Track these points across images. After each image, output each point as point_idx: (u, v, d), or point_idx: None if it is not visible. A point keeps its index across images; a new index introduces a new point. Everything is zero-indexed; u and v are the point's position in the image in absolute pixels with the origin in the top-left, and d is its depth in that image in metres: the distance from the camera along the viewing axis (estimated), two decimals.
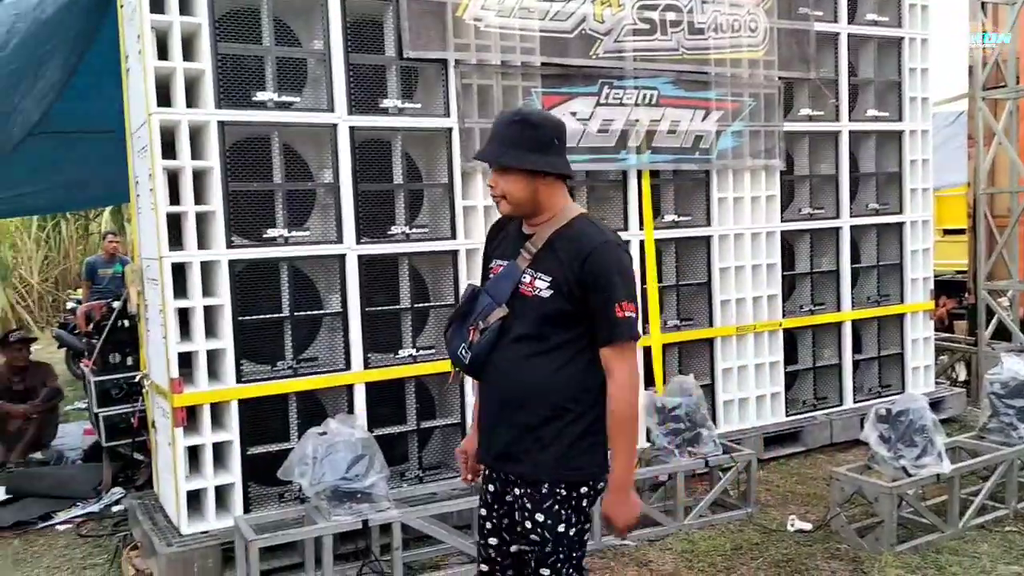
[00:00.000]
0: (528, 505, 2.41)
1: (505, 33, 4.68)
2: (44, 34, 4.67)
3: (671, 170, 5.37)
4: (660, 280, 5.36)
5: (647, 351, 5.24)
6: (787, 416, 5.82)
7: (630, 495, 2.38)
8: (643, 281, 5.23)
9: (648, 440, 5.00)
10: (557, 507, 2.39)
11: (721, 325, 5.56)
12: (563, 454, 2.38)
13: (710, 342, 5.56)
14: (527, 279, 2.40)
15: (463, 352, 2.48)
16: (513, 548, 2.49)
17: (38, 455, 6.22)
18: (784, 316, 5.82)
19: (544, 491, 2.39)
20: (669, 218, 5.41)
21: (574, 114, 4.90)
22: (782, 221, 5.77)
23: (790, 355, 5.95)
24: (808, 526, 4.46)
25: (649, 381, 5.25)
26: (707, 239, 5.51)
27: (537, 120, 2.44)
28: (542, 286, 2.37)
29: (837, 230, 6.06)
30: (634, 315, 2.33)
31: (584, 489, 2.41)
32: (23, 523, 4.97)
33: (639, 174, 5.20)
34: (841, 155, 6.00)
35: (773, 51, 5.54)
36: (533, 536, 2.41)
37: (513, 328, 2.41)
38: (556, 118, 2.54)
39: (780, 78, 5.59)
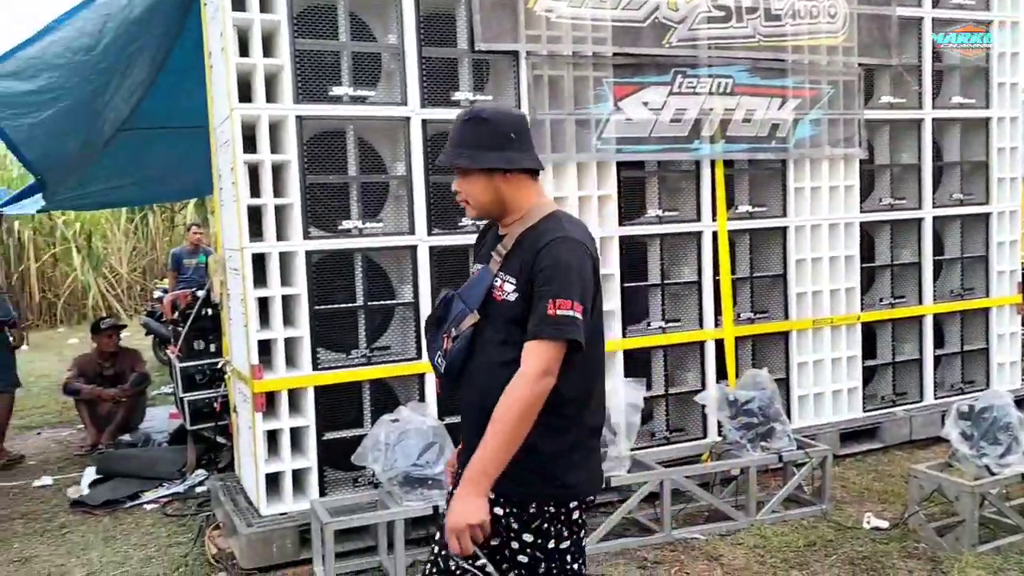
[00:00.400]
0: (515, 525, 2.24)
1: (577, 23, 4.67)
2: (132, 33, 4.86)
3: (746, 160, 5.29)
4: (733, 272, 5.28)
5: (719, 344, 5.19)
6: (864, 412, 5.68)
7: (477, 497, 2.09)
8: (715, 273, 5.17)
9: (720, 434, 4.96)
10: (547, 525, 2.26)
11: (797, 318, 5.45)
12: (549, 471, 2.23)
13: (785, 335, 5.46)
14: (498, 283, 2.26)
15: (439, 361, 2.35)
16: (479, 563, 2.23)
17: (127, 437, 6.49)
18: (862, 309, 5.68)
19: (532, 511, 2.24)
20: (743, 209, 5.32)
21: (646, 104, 4.87)
22: (861, 212, 5.63)
23: (868, 349, 5.80)
24: (885, 524, 4.36)
25: (721, 374, 5.20)
26: (783, 230, 5.41)
27: (489, 115, 2.30)
28: (509, 289, 2.23)
29: (919, 221, 5.87)
30: (571, 314, 2.12)
31: (574, 504, 2.27)
32: (112, 502, 5.20)
33: (712, 164, 5.13)
34: (924, 143, 5.82)
35: (853, 37, 5.39)
36: (522, 557, 2.26)
37: (487, 335, 2.27)
38: (514, 111, 2.42)
39: (860, 64, 5.45)
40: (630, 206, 5.00)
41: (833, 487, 4.75)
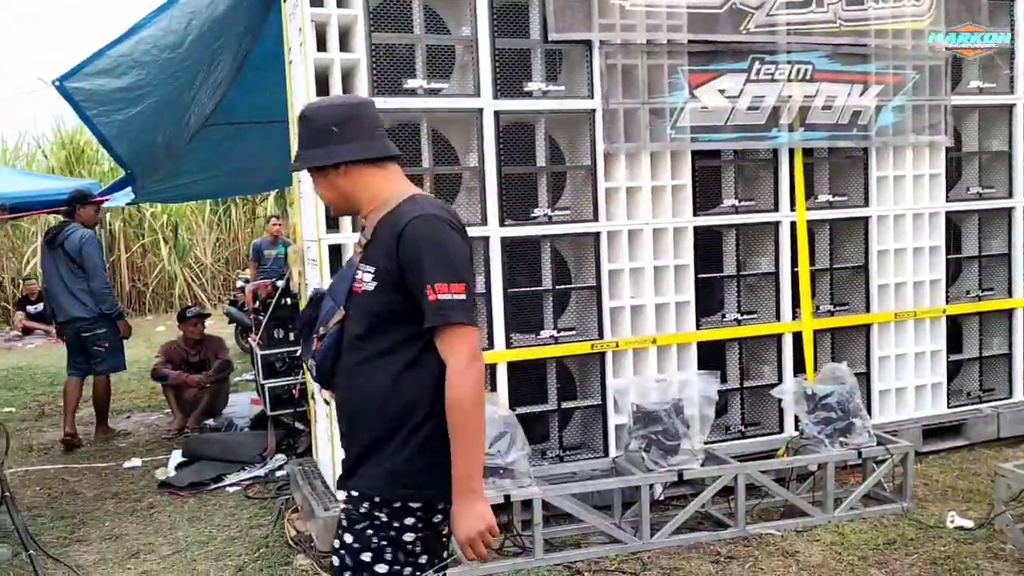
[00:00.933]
0: (344, 523, 2.13)
1: (651, 11, 4.62)
2: (216, 31, 5.01)
3: (825, 148, 5.16)
4: (812, 263, 5.16)
5: (796, 337, 5.08)
6: (949, 408, 5.49)
7: (475, 503, 2.00)
8: (794, 264, 5.06)
9: (797, 428, 4.87)
10: (371, 532, 2.09)
11: (878, 311, 5.30)
12: (395, 469, 2.08)
13: (866, 329, 5.31)
14: (358, 275, 2.14)
15: (311, 364, 2.24)
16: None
17: (211, 422, 6.72)
18: (948, 302, 5.49)
19: (363, 510, 2.10)
20: (823, 198, 5.20)
21: (722, 91, 4.79)
22: (947, 201, 5.43)
23: (954, 343, 5.60)
24: (969, 523, 4.21)
25: (799, 368, 5.09)
26: (864, 220, 5.26)
27: (309, 112, 2.21)
28: (367, 279, 2.10)
29: (1009, 211, 5.64)
30: (452, 296, 2.00)
31: (410, 520, 2.10)
32: (197, 484, 5.39)
33: (791, 152, 5.02)
34: (1016, 130, 5.57)
35: (940, 20, 5.20)
36: (334, 559, 2.14)
37: (352, 330, 2.15)
38: (337, 102, 2.27)
39: (948, 48, 5.25)
40: (705, 196, 4.93)
41: (915, 485, 4.62)
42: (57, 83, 4.76)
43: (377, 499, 2.09)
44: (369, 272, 2.11)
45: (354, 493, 2.13)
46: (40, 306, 13.64)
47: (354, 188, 2.18)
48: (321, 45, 4.18)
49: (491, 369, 4.48)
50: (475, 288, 2.08)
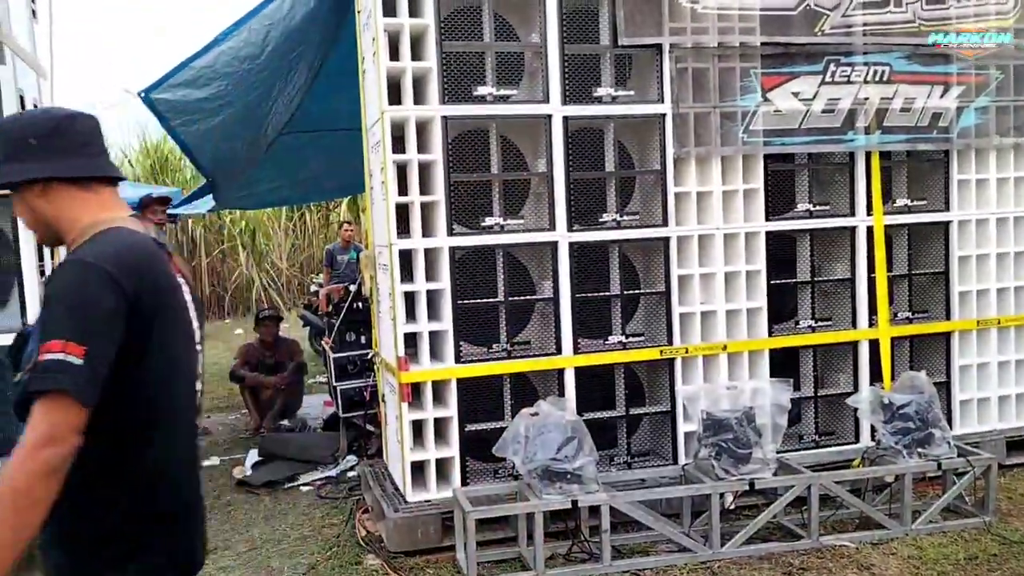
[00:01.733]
0: None
1: (723, 14, 4.58)
2: (293, 41, 5.15)
3: (904, 151, 5.02)
4: (890, 269, 5.02)
5: (873, 345, 4.95)
6: None
7: None
8: (871, 270, 4.93)
9: (873, 438, 4.74)
10: None
11: (960, 318, 5.13)
12: (82, 559, 1.78)
13: (946, 336, 5.14)
14: None
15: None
16: None
17: (286, 422, 6.88)
18: None
19: None
20: (901, 202, 5.05)
21: (796, 94, 4.71)
22: None
23: None
24: None
25: (876, 377, 4.96)
26: (945, 225, 5.10)
27: (6, 123, 1.95)
28: None
29: None
30: (57, 358, 1.62)
31: None
32: (272, 483, 5.53)
33: (867, 156, 4.90)
34: None
35: None
36: None
37: None
38: (40, 115, 1.96)
39: (947, 48, 5.05)
40: (778, 200, 4.85)
41: (998, 499, 4.45)
42: (142, 94, 4.97)
43: None
44: None
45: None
46: None
47: (53, 212, 1.87)
48: (394, 54, 4.26)
49: (559, 374, 4.49)
50: (103, 358, 1.68)
